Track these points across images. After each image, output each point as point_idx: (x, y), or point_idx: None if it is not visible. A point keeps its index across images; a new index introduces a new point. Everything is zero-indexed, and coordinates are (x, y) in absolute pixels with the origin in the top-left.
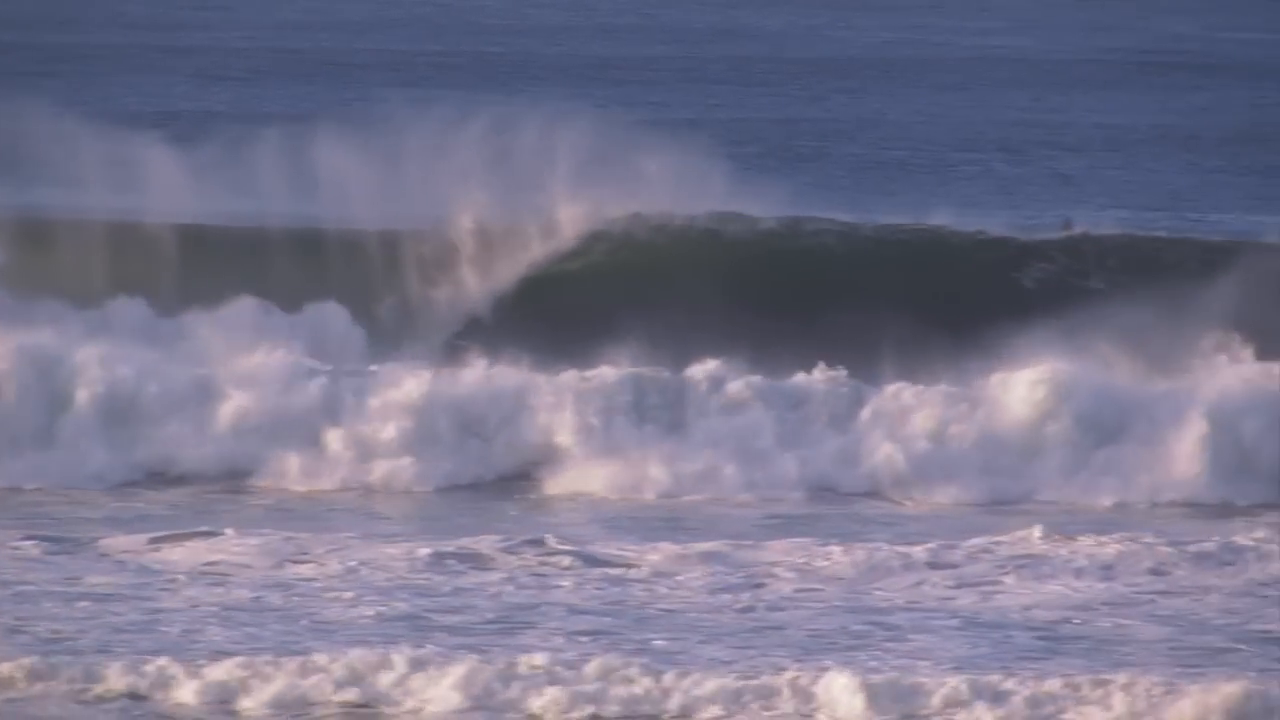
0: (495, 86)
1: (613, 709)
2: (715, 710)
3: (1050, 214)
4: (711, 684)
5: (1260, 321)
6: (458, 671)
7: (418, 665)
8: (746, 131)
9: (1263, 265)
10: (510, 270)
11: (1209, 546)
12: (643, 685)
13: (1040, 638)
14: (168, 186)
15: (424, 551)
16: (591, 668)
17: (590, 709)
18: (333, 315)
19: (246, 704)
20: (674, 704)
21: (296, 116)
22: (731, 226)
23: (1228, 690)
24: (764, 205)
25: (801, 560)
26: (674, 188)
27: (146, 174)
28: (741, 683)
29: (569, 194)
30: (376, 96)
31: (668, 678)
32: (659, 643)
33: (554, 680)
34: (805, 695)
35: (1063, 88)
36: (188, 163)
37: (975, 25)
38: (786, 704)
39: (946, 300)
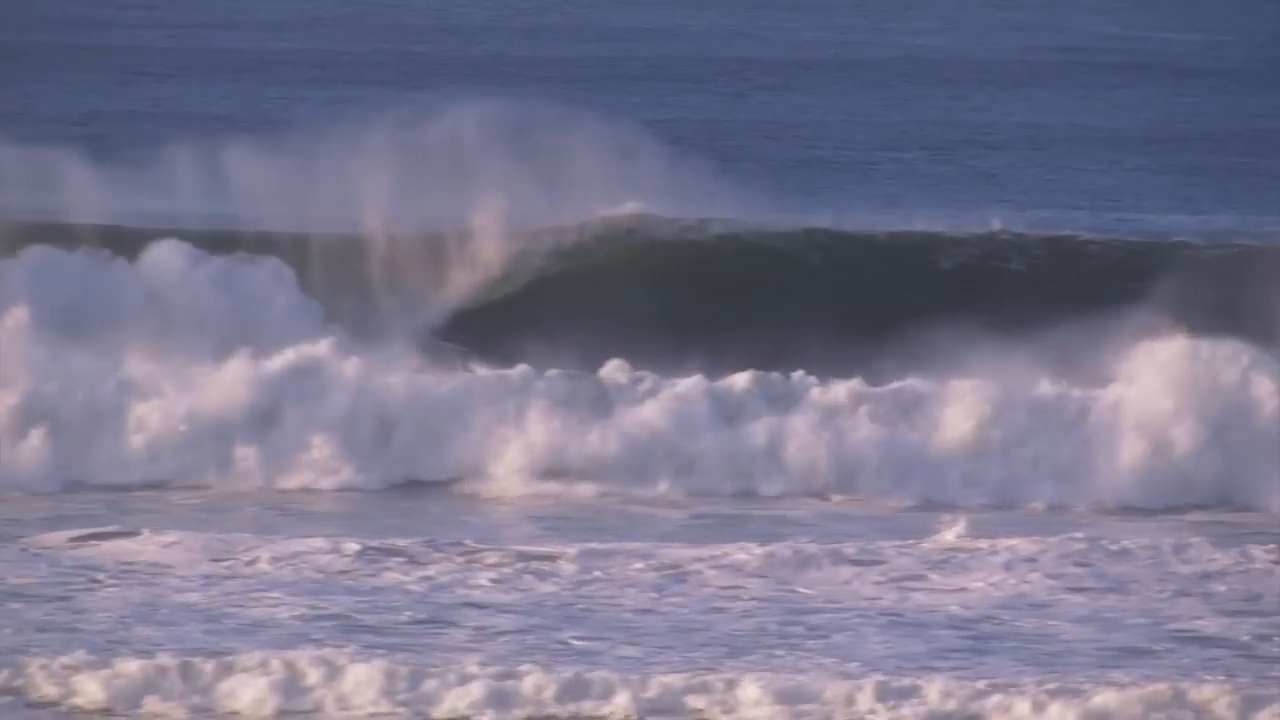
0: (418, 86)
1: (527, 709)
2: (631, 711)
3: (973, 213)
4: (626, 685)
5: (1182, 321)
6: (378, 671)
7: (337, 665)
8: (669, 131)
9: (1183, 264)
10: (430, 275)
11: (1131, 546)
12: (562, 685)
13: (965, 637)
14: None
15: (350, 550)
16: (512, 668)
17: (509, 709)
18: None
19: (157, 705)
20: (590, 705)
21: (218, 116)
22: (655, 227)
23: (1148, 690)
24: (683, 206)
25: (725, 560)
26: (599, 188)
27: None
28: (660, 683)
29: (489, 196)
30: (297, 96)
31: (590, 677)
32: (579, 643)
33: (472, 679)
34: (721, 696)
35: (985, 87)
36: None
37: (899, 25)
38: (704, 705)
39: (873, 300)
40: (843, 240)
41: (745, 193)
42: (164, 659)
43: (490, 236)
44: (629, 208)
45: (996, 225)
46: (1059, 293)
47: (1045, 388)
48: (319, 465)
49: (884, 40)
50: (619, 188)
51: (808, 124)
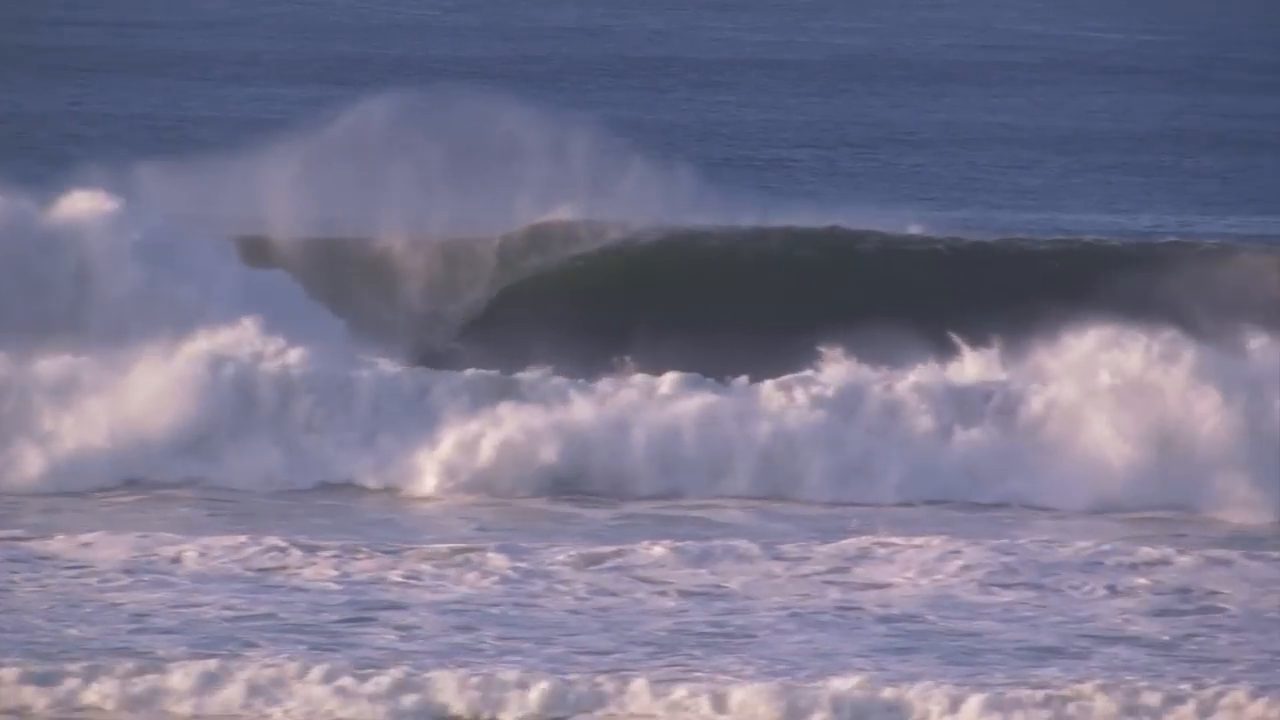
0: (341, 85)
1: (445, 709)
2: (545, 711)
3: (895, 212)
4: (543, 685)
5: (1105, 318)
6: (288, 671)
7: (263, 664)
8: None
9: (1105, 262)
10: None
11: (1056, 544)
12: (476, 685)
13: (886, 635)
14: None
15: (274, 548)
16: (428, 667)
17: (425, 709)
18: None
19: (80, 701)
20: (502, 704)
21: (139, 115)
22: (583, 233)
23: (1071, 690)
24: (611, 208)
25: (647, 559)
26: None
27: None
28: (566, 685)
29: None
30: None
31: (504, 678)
32: (498, 642)
33: (391, 678)
34: (636, 696)
35: (907, 86)
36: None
37: (820, 25)
38: (618, 705)
39: (803, 297)
40: (771, 238)
41: (674, 192)
42: (85, 657)
43: (418, 243)
44: (559, 213)
45: (915, 228)
46: (983, 291)
47: (971, 385)
48: (248, 463)
49: (807, 40)
50: (549, 191)
51: (731, 123)
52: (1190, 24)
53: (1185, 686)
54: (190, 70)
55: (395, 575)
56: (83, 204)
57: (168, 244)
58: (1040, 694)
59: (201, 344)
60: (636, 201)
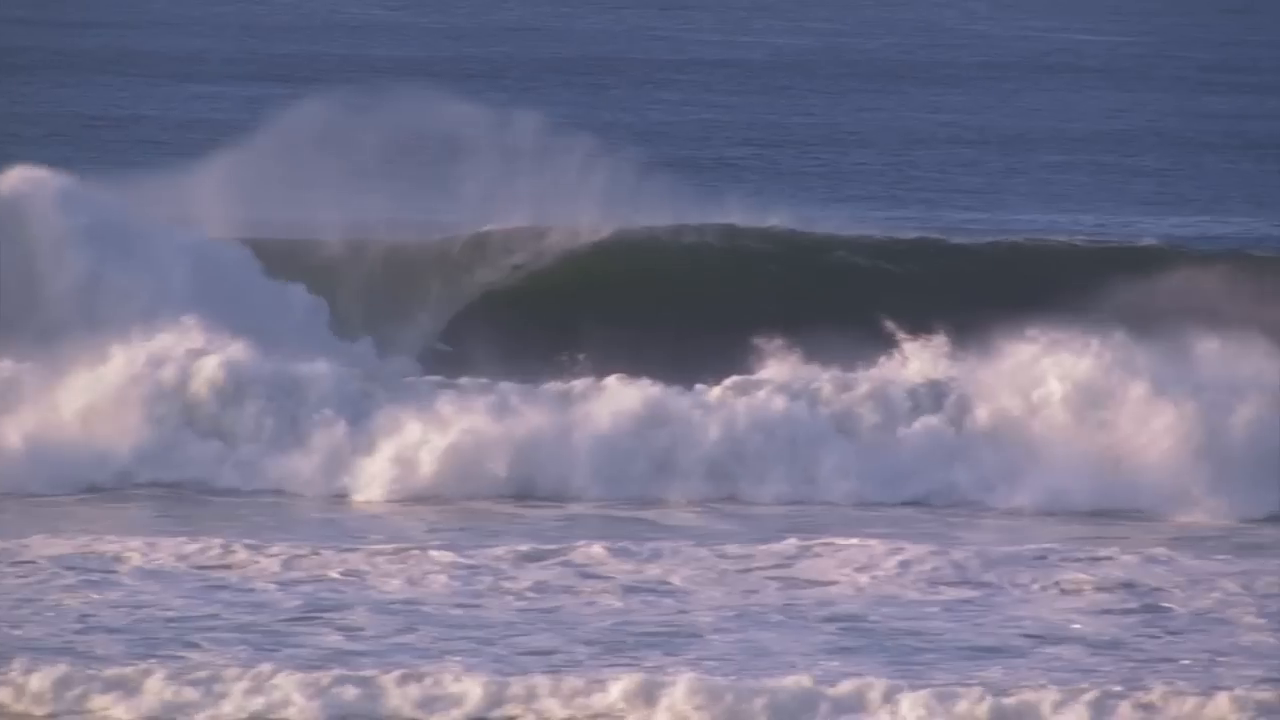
0: (285, 83)
1: (383, 709)
2: (481, 711)
3: (838, 210)
4: (484, 684)
5: (1045, 319)
6: (230, 673)
7: (195, 666)
8: None
9: (1045, 262)
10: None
11: (997, 545)
12: (414, 686)
13: (830, 634)
14: None
15: (218, 549)
16: (364, 669)
17: (368, 709)
18: None
19: (20, 708)
20: (439, 703)
21: (79, 115)
22: (528, 238)
23: (1011, 689)
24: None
25: (590, 559)
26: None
27: None
28: (506, 684)
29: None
30: (161, 94)
31: (443, 677)
32: (439, 644)
33: (328, 678)
34: (579, 697)
35: (851, 86)
36: None
37: (763, 25)
38: (556, 703)
39: (749, 298)
40: (714, 238)
41: (616, 194)
42: (26, 657)
43: (359, 247)
44: (504, 217)
45: (860, 227)
46: (931, 290)
47: (918, 384)
48: (191, 464)
49: (749, 40)
50: (491, 193)
51: (673, 123)
52: (1132, 24)
53: (1119, 688)
54: (130, 69)
55: (338, 575)
56: (23, 182)
57: (118, 227)
58: (978, 692)
59: (146, 342)
60: (579, 203)
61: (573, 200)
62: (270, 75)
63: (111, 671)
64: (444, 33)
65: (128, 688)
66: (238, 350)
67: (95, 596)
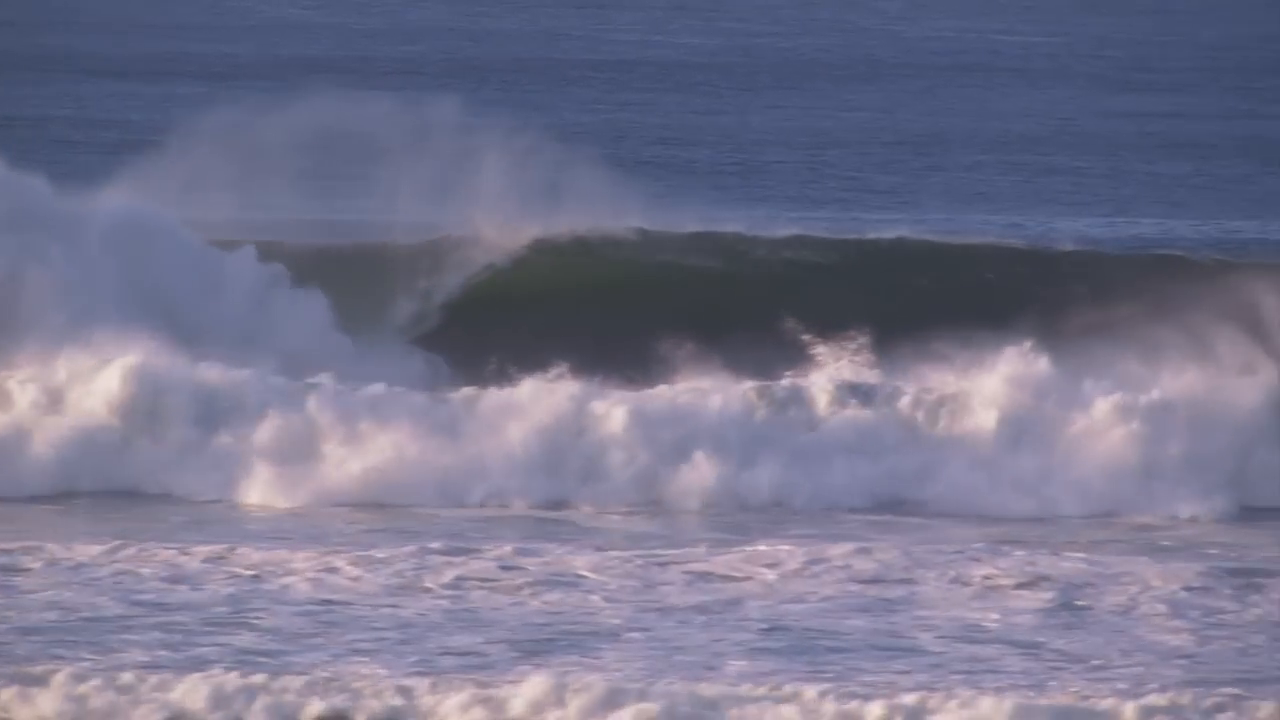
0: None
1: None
2: (393, 712)
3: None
4: (399, 685)
5: (976, 323)
6: (142, 676)
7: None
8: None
9: (977, 265)
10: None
11: (925, 548)
12: (326, 688)
13: (748, 635)
14: None
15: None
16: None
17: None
18: None
19: None
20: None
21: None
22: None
23: (929, 690)
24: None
25: (513, 561)
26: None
27: None
28: (422, 685)
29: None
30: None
31: (356, 680)
32: (349, 647)
33: (236, 681)
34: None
35: (769, 85)
36: None
37: (679, 25)
38: (471, 702)
39: (687, 301)
40: (650, 240)
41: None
42: None
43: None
44: (452, 223)
45: (795, 229)
46: (858, 295)
47: (853, 385)
48: (109, 470)
49: (666, 41)
50: (461, 198)
51: (594, 124)
52: (1049, 24)
53: (1054, 684)
54: (44, 67)
55: (255, 577)
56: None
57: (44, 217)
58: (896, 693)
59: (81, 349)
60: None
61: (491, 203)
62: (185, 73)
63: (15, 669)
64: (358, 32)
65: (38, 691)
66: (152, 355)
67: (2, 600)
